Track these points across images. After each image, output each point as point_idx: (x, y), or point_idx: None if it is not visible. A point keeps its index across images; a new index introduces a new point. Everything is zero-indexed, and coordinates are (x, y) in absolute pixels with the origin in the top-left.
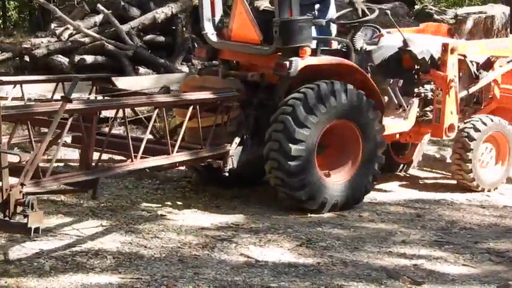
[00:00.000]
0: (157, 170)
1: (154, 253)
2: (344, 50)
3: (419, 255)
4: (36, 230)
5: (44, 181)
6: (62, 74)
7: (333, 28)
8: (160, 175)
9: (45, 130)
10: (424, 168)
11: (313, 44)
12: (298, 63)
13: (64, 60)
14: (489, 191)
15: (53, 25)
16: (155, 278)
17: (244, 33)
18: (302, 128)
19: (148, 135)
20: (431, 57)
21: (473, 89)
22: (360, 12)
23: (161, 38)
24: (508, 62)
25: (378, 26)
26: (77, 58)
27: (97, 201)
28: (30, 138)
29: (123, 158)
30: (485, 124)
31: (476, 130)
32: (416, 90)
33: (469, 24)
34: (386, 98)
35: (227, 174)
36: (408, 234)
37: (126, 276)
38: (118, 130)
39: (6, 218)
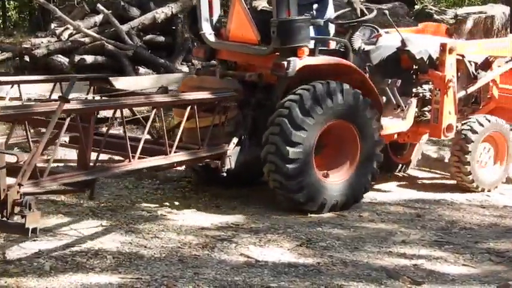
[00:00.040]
0: (155, 170)
1: (154, 253)
2: (342, 50)
3: (419, 255)
4: (34, 230)
5: (42, 181)
6: (62, 74)
7: (332, 28)
8: (160, 175)
9: (44, 130)
10: (423, 169)
11: (311, 44)
12: (296, 64)
13: (64, 60)
14: (489, 190)
15: (53, 25)
16: (155, 278)
17: (242, 33)
18: (299, 131)
19: (146, 136)
20: (429, 57)
21: (472, 89)
22: (358, 12)
23: (161, 38)
24: (507, 62)
25: (376, 26)
26: (77, 58)
27: (97, 201)
28: (27, 138)
29: (122, 159)
30: (482, 125)
31: (474, 132)
32: (414, 90)
33: (469, 24)
34: (384, 98)
35: (225, 174)
36: (408, 234)
37: (126, 276)
38: (118, 130)
39: (4, 218)
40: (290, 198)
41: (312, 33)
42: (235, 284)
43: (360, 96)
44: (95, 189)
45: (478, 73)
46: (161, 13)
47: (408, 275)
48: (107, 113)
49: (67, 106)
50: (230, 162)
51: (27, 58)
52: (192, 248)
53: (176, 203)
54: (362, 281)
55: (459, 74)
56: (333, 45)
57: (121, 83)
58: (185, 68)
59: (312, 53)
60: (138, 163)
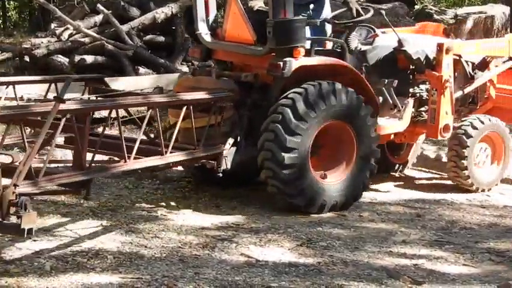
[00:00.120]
0: (151, 171)
1: (155, 253)
2: (338, 50)
3: (419, 255)
4: (30, 231)
5: (37, 182)
6: (62, 74)
7: (328, 28)
8: (160, 175)
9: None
10: (421, 169)
11: (308, 45)
12: (292, 64)
13: (64, 60)
14: (483, 191)
15: (53, 25)
16: (155, 278)
17: (238, 33)
18: (293, 136)
19: (141, 136)
20: (426, 57)
21: (469, 89)
22: (354, 12)
23: (161, 38)
24: (504, 62)
25: (373, 26)
26: (77, 58)
27: (97, 201)
28: (23, 138)
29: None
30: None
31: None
32: (411, 90)
33: (469, 24)
34: (381, 98)
35: (221, 174)
36: (408, 234)
37: (126, 276)
38: (116, 130)
39: None
40: (290, 203)
41: (308, 33)
42: (236, 283)
43: (353, 94)
44: (91, 190)
45: (475, 73)
46: (161, 13)
47: (408, 275)
48: (103, 114)
49: (62, 106)
50: (226, 163)
51: (27, 58)
52: (192, 248)
53: (177, 203)
54: (363, 281)
55: (456, 74)
56: (329, 45)
57: (120, 83)
58: (185, 68)
59: (308, 53)
60: (134, 163)
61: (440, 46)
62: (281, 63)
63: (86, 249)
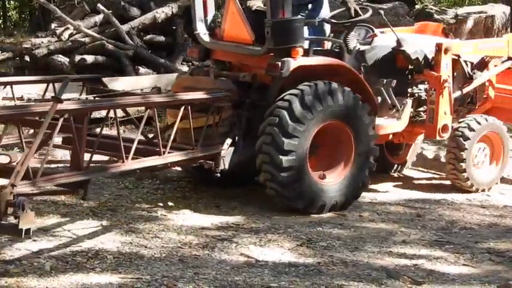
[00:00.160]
0: (150, 171)
1: (154, 253)
2: (336, 50)
3: (419, 255)
4: (27, 231)
5: (35, 182)
6: (62, 74)
7: (327, 28)
8: (160, 175)
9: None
10: (420, 169)
11: (306, 44)
12: (291, 64)
13: (64, 60)
14: (483, 190)
15: (53, 25)
16: (155, 278)
17: (236, 33)
18: (290, 139)
19: (139, 136)
20: (425, 57)
21: (467, 89)
22: (352, 12)
23: (162, 38)
24: (503, 61)
25: (371, 26)
26: (77, 58)
27: (97, 201)
28: (20, 139)
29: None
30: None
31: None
32: (409, 90)
33: (469, 24)
34: (380, 99)
35: (218, 174)
36: (408, 234)
37: (126, 276)
38: (116, 130)
39: None
40: (289, 205)
41: (307, 33)
42: (236, 283)
43: (349, 93)
44: (88, 190)
45: (474, 73)
46: (161, 13)
47: (408, 275)
48: (103, 114)
49: (60, 106)
50: (224, 163)
51: (27, 58)
52: (192, 248)
53: (176, 203)
54: (363, 281)
55: (455, 74)
56: (328, 45)
57: (120, 83)
58: (185, 68)
59: (306, 53)
60: (132, 164)
61: (438, 46)
62: (279, 63)
63: (86, 249)
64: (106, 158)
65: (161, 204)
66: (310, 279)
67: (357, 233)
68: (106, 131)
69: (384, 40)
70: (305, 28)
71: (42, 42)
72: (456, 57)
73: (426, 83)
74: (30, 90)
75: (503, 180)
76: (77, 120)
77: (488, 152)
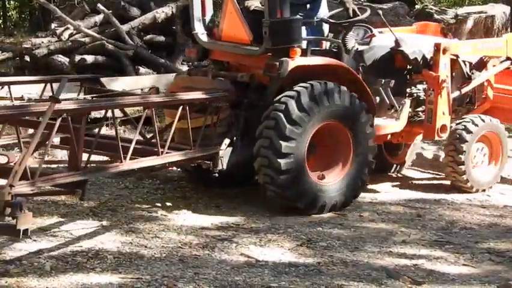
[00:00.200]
0: (148, 171)
1: (155, 253)
2: (335, 50)
3: (419, 255)
4: (25, 231)
5: (33, 182)
6: (62, 74)
7: (325, 28)
8: (160, 175)
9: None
10: (419, 169)
11: (304, 45)
12: (289, 64)
13: (65, 60)
14: (483, 190)
15: (53, 25)
16: (155, 278)
17: (234, 33)
18: (288, 141)
19: (137, 136)
20: (423, 57)
21: (466, 89)
22: (351, 12)
23: (162, 38)
24: (501, 61)
25: (370, 26)
26: (77, 58)
27: (97, 201)
28: (18, 139)
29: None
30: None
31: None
32: (408, 90)
33: (470, 24)
34: (378, 99)
35: (216, 175)
36: (408, 234)
37: (126, 276)
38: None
39: None
40: (289, 206)
41: (305, 33)
42: (236, 283)
43: (346, 93)
44: (86, 190)
45: (473, 73)
46: (161, 13)
47: (408, 275)
48: (99, 114)
49: (57, 106)
50: (222, 163)
51: (27, 58)
52: (192, 248)
53: (176, 203)
54: (363, 281)
55: (453, 74)
56: (326, 45)
57: (120, 82)
58: (185, 68)
59: (304, 53)
60: (130, 164)
61: (437, 46)
62: (277, 63)
63: (86, 249)
64: (104, 158)
65: (161, 204)
66: (310, 279)
67: (357, 233)
68: (105, 131)
69: (383, 40)
70: (303, 28)
71: (42, 42)
72: (454, 57)
73: (424, 83)
74: (30, 90)
75: (503, 180)
76: (75, 120)
77: (487, 152)
